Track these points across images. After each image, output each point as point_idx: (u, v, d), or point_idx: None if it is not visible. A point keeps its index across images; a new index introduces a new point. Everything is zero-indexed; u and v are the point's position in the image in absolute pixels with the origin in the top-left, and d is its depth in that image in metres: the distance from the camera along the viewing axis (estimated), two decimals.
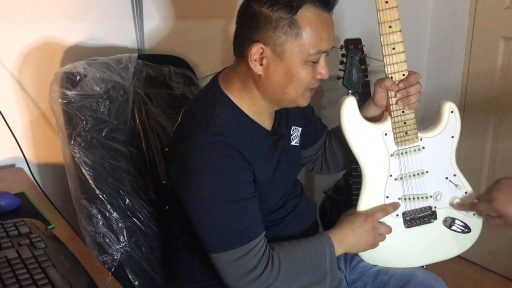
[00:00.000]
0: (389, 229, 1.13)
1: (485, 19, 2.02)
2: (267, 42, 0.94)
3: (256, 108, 1.04)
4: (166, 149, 1.08)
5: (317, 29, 0.94)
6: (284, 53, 0.95)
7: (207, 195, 0.95)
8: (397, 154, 1.12)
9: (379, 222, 1.12)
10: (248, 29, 0.96)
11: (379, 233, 1.12)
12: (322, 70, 0.99)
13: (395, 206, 1.13)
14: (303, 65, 0.96)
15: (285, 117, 1.13)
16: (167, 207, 1.15)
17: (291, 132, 1.16)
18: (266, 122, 1.08)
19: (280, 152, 1.10)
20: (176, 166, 0.99)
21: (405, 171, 1.13)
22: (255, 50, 0.95)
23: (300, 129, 1.19)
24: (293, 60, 0.95)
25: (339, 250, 1.06)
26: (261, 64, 0.97)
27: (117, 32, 1.41)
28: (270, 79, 0.98)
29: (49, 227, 0.95)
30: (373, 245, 1.11)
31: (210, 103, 1.01)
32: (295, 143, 1.17)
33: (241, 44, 0.99)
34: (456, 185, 1.15)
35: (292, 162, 1.17)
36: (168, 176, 1.04)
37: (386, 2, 1.03)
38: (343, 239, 1.07)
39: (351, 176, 1.62)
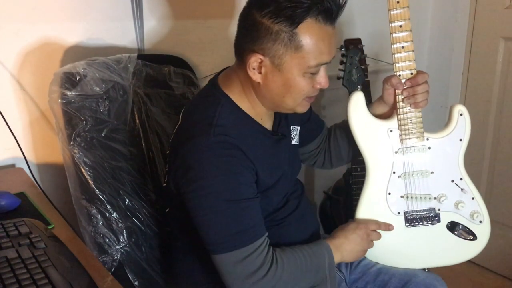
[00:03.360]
0: (380, 237, 1.14)
1: (485, 19, 2.02)
2: (266, 53, 0.94)
3: (256, 111, 1.04)
4: (168, 151, 1.07)
5: (317, 43, 0.93)
6: (283, 64, 0.94)
7: (210, 195, 0.94)
8: (401, 152, 1.12)
9: (372, 230, 1.13)
10: (248, 37, 0.95)
11: (371, 239, 1.13)
12: (322, 80, 0.99)
13: (386, 226, 1.15)
14: (301, 77, 0.96)
15: (284, 117, 1.14)
16: (167, 210, 1.14)
17: (291, 131, 1.16)
18: (267, 122, 1.08)
19: (283, 152, 1.11)
20: (178, 166, 0.98)
21: (409, 169, 1.13)
22: (254, 60, 0.95)
23: (299, 128, 1.19)
24: (292, 72, 0.95)
25: (336, 257, 1.06)
26: (260, 73, 0.96)
27: (117, 32, 1.41)
28: (268, 87, 0.98)
29: (49, 227, 0.95)
30: (366, 251, 1.13)
31: (211, 103, 1.00)
32: (295, 142, 1.18)
33: (241, 50, 0.98)
34: (462, 189, 1.14)
35: (293, 161, 1.17)
36: (169, 178, 1.03)
37: (398, 2, 1.04)
38: (339, 246, 1.08)
39: (351, 176, 1.62)
